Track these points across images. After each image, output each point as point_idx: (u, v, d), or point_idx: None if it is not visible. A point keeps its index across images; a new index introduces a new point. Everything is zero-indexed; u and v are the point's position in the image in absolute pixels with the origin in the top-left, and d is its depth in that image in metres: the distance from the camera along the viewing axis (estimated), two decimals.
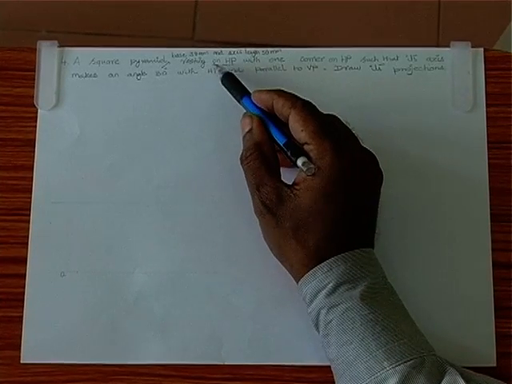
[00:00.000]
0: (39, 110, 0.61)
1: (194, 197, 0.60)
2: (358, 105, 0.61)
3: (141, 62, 0.62)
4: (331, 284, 0.50)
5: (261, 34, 1.27)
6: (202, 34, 1.29)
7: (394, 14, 1.30)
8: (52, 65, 0.62)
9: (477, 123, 0.61)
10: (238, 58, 0.63)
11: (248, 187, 0.55)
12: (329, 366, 0.53)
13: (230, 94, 0.60)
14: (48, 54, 0.62)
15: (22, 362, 0.57)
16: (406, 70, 0.62)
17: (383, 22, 1.30)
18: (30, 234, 0.59)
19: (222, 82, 0.61)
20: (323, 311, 0.51)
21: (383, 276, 0.53)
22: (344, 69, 0.62)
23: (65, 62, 0.62)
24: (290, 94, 0.55)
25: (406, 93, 0.62)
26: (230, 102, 0.60)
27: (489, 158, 0.60)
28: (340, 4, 1.28)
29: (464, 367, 0.51)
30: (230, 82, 0.60)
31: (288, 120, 0.54)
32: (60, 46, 0.63)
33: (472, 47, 0.62)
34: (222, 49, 0.63)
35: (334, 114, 0.56)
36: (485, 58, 0.62)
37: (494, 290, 0.58)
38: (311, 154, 0.53)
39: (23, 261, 0.58)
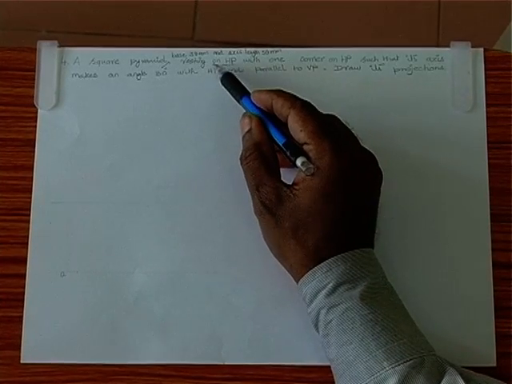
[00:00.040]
0: (39, 110, 0.61)
1: (194, 197, 0.60)
2: (358, 105, 0.61)
3: (141, 62, 0.62)
4: (331, 284, 0.50)
5: (261, 34, 1.27)
6: (202, 33, 1.29)
7: (394, 14, 1.30)
8: (52, 65, 0.62)
9: (477, 123, 0.61)
10: (237, 58, 0.63)
11: (248, 187, 0.55)
12: (329, 366, 0.53)
13: (229, 94, 0.60)
14: (48, 54, 0.62)
15: (22, 362, 0.57)
16: (405, 70, 0.62)
17: (383, 22, 1.30)
18: (30, 234, 0.59)
19: (221, 82, 0.61)
20: (323, 311, 0.51)
21: (383, 276, 0.53)
22: (344, 69, 0.62)
23: (65, 62, 0.63)
24: (289, 94, 0.55)
25: (405, 93, 0.62)
26: (230, 102, 0.60)
27: (489, 158, 0.60)
28: (340, 4, 1.28)
29: (464, 367, 0.51)
30: (230, 82, 0.60)
31: (287, 120, 0.54)
32: (60, 45, 0.63)
33: (472, 47, 0.62)
34: (222, 49, 0.63)
35: (334, 114, 0.56)
36: (485, 58, 0.62)
37: (494, 290, 0.58)
38: (310, 154, 0.53)
39: (23, 261, 0.58)
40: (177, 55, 0.63)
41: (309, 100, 0.55)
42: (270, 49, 0.63)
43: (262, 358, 0.57)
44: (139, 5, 1.27)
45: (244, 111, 0.58)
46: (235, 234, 0.59)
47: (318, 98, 0.56)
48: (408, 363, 0.48)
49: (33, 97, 0.61)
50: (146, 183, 0.60)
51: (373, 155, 0.55)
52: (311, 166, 0.52)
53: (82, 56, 0.63)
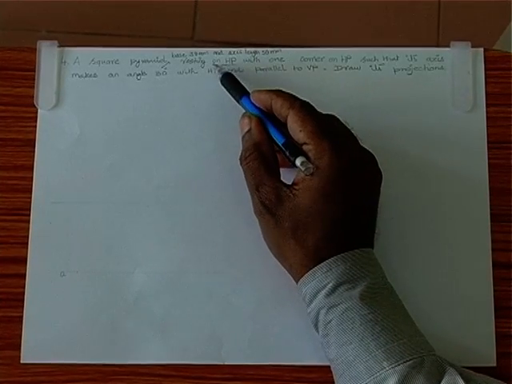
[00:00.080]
0: (39, 110, 0.61)
1: (194, 197, 0.60)
2: (358, 105, 0.61)
3: (141, 62, 0.62)
4: (331, 284, 0.50)
5: (261, 34, 1.27)
6: (202, 33, 1.29)
7: (394, 14, 1.30)
8: (52, 65, 0.62)
9: (477, 123, 0.61)
10: (237, 58, 0.63)
11: (247, 187, 0.55)
12: (329, 366, 0.53)
13: (229, 95, 0.60)
14: (48, 54, 0.62)
15: (22, 362, 0.57)
16: (405, 70, 0.62)
17: (383, 21, 1.30)
18: (30, 234, 0.59)
19: (221, 82, 0.61)
20: (323, 311, 0.51)
21: (383, 276, 0.53)
22: (344, 69, 0.62)
23: (65, 62, 0.63)
24: (288, 94, 0.55)
25: (405, 93, 0.62)
26: (230, 102, 0.60)
27: (489, 158, 0.60)
28: (340, 4, 1.28)
29: (464, 367, 0.51)
30: (230, 82, 0.60)
31: (287, 120, 0.54)
32: (60, 45, 0.63)
33: (472, 47, 0.62)
34: (222, 49, 0.63)
35: (334, 113, 0.56)
36: (485, 58, 0.62)
37: (494, 290, 0.58)
38: (310, 154, 0.53)
39: (23, 261, 0.58)
40: (177, 55, 0.63)
41: (308, 100, 0.55)
42: (270, 49, 0.63)
43: (261, 358, 0.57)
44: (139, 5, 1.27)
45: (244, 111, 0.58)
46: (235, 234, 0.59)
47: (317, 98, 0.56)
48: (408, 363, 0.48)
49: (33, 97, 0.61)
50: (145, 183, 0.60)
51: (372, 155, 0.55)
52: (310, 165, 0.52)
53: (82, 56, 0.63)
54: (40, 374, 0.56)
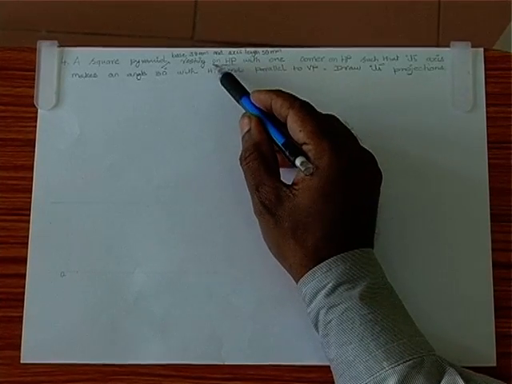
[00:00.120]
0: (39, 110, 0.61)
1: (194, 197, 0.60)
2: (358, 105, 0.61)
3: (141, 62, 0.62)
4: (330, 284, 0.50)
5: (261, 34, 1.27)
6: (202, 33, 1.29)
7: (394, 14, 1.30)
8: (52, 65, 0.62)
9: (477, 123, 0.61)
10: (238, 58, 0.63)
11: (247, 187, 0.55)
12: (329, 366, 0.53)
13: (229, 95, 0.60)
14: (48, 54, 0.62)
15: (22, 361, 0.57)
16: (406, 70, 0.62)
17: (383, 21, 1.30)
18: (30, 233, 0.59)
19: (221, 82, 0.61)
20: (322, 311, 0.51)
21: (383, 276, 0.53)
22: (344, 69, 0.62)
23: (65, 62, 0.63)
24: (288, 94, 0.55)
25: (405, 93, 0.62)
26: (230, 102, 0.60)
27: (489, 158, 0.60)
28: (340, 4, 1.28)
29: (464, 367, 0.51)
30: (230, 82, 0.60)
31: (286, 120, 0.54)
32: (60, 45, 0.63)
33: (472, 47, 0.62)
34: (222, 49, 0.63)
35: (333, 113, 0.56)
36: (485, 58, 0.62)
37: (494, 290, 0.58)
38: (310, 154, 0.53)
39: (23, 261, 0.58)
40: (177, 55, 0.63)
41: (308, 100, 0.55)
42: (270, 49, 0.63)
43: (261, 358, 0.57)
44: (139, 5, 1.27)
45: (243, 111, 0.58)
46: (235, 234, 0.59)
47: (317, 97, 0.56)
48: (407, 363, 0.48)
49: (33, 97, 0.61)
50: (146, 183, 0.60)
51: (372, 155, 0.55)
52: (310, 165, 0.52)
53: (82, 56, 0.63)
54: (40, 373, 0.56)
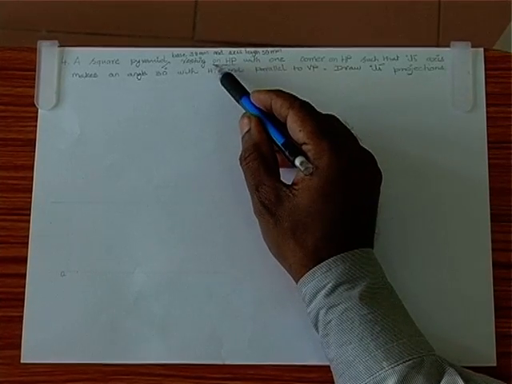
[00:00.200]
0: (39, 110, 0.61)
1: (194, 197, 0.60)
2: (358, 105, 0.61)
3: (141, 62, 0.62)
4: (330, 284, 0.50)
5: (261, 34, 1.27)
6: (202, 33, 1.29)
7: (394, 14, 1.30)
8: (52, 65, 0.62)
9: (477, 123, 0.61)
10: (238, 58, 0.63)
11: (247, 187, 0.55)
12: (329, 366, 0.53)
13: (229, 95, 0.60)
14: (48, 54, 0.62)
15: (22, 361, 0.57)
16: (406, 69, 0.62)
17: (383, 21, 1.30)
18: (30, 233, 0.59)
19: (221, 82, 0.61)
20: (322, 311, 0.51)
21: (383, 276, 0.53)
22: (344, 69, 0.62)
23: (65, 62, 0.63)
24: (288, 94, 0.55)
25: (405, 93, 0.62)
26: (230, 102, 0.60)
27: (489, 158, 0.60)
28: (340, 4, 1.28)
29: (464, 367, 0.51)
30: (230, 82, 0.60)
31: (286, 120, 0.54)
32: (60, 45, 0.63)
33: (472, 47, 0.62)
34: (222, 49, 0.63)
35: (333, 113, 0.56)
36: (485, 57, 0.62)
37: (494, 290, 0.58)
38: (309, 154, 0.53)
39: (23, 260, 0.58)
40: (177, 55, 0.63)
41: (308, 100, 0.55)
42: (270, 49, 0.63)
43: (262, 358, 0.57)
44: (139, 5, 1.27)
45: (243, 111, 0.58)
46: (235, 234, 0.59)
47: (317, 97, 0.56)
48: (407, 363, 0.48)
49: (33, 97, 0.61)
50: (146, 183, 0.60)
51: (372, 155, 0.55)
52: (310, 165, 0.52)
53: (83, 56, 0.63)
54: (40, 373, 0.56)
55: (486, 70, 0.62)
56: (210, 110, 0.61)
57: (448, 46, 0.63)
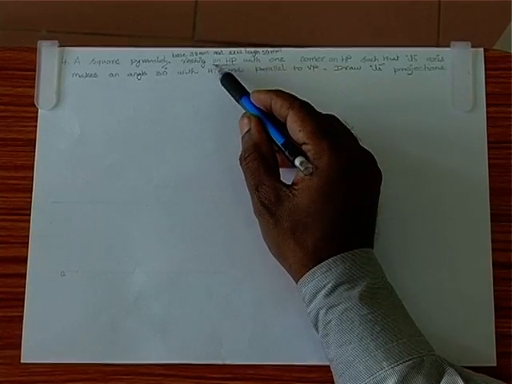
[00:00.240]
0: (39, 110, 0.61)
1: (194, 197, 0.60)
2: (358, 105, 0.61)
3: (141, 62, 0.62)
4: (330, 284, 0.50)
5: (261, 34, 1.27)
6: (202, 33, 1.29)
7: (394, 14, 1.30)
8: (52, 64, 0.62)
9: (477, 123, 0.61)
10: (238, 58, 0.63)
11: (247, 187, 0.55)
12: (329, 366, 0.53)
13: (229, 95, 0.60)
14: (48, 54, 0.62)
15: (22, 361, 0.57)
16: (406, 69, 0.62)
17: (383, 21, 1.30)
18: (31, 233, 0.59)
19: (221, 82, 0.61)
20: (322, 311, 0.51)
21: (383, 276, 0.53)
22: (344, 69, 0.62)
23: (65, 62, 0.63)
24: (288, 94, 0.55)
25: (405, 93, 0.62)
26: (231, 102, 0.60)
27: (489, 158, 0.60)
28: (340, 4, 1.28)
29: (464, 367, 0.51)
30: (230, 82, 0.60)
31: (286, 120, 0.54)
32: (60, 45, 0.63)
33: (472, 47, 0.62)
34: (223, 49, 0.63)
35: (333, 113, 0.56)
36: (485, 57, 0.62)
37: (494, 290, 0.58)
38: (309, 154, 0.53)
39: (23, 260, 0.58)
40: (177, 55, 0.63)
41: (308, 100, 0.55)
42: (270, 49, 0.63)
43: (262, 358, 0.57)
44: (139, 5, 1.27)
45: (244, 111, 0.58)
46: (235, 234, 0.59)
47: (318, 97, 0.56)
48: (407, 363, 0.48)
49: (33, 97, 0.61)
50: (146, 183, 0.60)
51: (372, 155, 0.55)
52: (310, 165, 0.52)
53: (83, 56, 0.63)
54: (40, 373, 0.56)
55: (486, 69, 0.62)
56: (210, 110, 0.61)
57: (448, 46, 0.63)
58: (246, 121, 0.57)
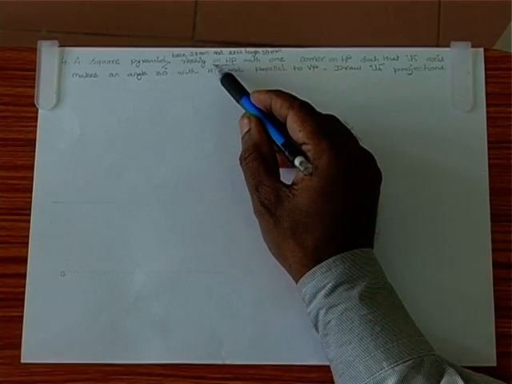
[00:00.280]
0: (40, 110, 0.61)
1: (194, 197, 0.60)
2: (358, 105, 0.61)
3: (141, 62, 0.62)
4: (330, 284, 0.50)
5: (261, 34, 1.27)
6: (202, 33, 1.29)
7: (394, 14, 1.30)
8: (52, 65, 0.62)
9: (477, 123, 0.61)
10: (238, 58, 0.63)
11: (247, 187, 0.55)
12: (329, 366, 0.53)
13: (229, 95, 0.60)
14: (48, 54, 0.62)
15: (22, 361, 0.57)
16: (406, 69, 0.62)
17: (383, 21, 1.30)
18: (31, 233, 0.59)
19: (221, 82, 0.61)
20: (322, 311, 0.51)
21: (383, 276, 0.53)
22: (344, 69, 0.62)
23: (65, 62, 0.63)
24: (288, 94, 0.55)
25: (405, 93, 0.62)
26: (230, 102, 0.60)
27: (489, 158, 0.60)
28: (340, 4, 1.28)
29: (464, 367, 0.51)
30: (230, 82, 0.60)
31: (286, 120, 0.54)
32: (60, 45, 0.63)
33: (472, 47, 0.62)
34: (223, 49, 0.63)
35: (333, 113, 0.56)
36: (485, 57, 0.62)
37: (494, 290, 0.58)
38: (309, 154, 0.53)
39: (23, 260, 0.58)
40: (177, 55, 0.63)
41: (308, 100, 0.55)
42: (270, 49, 0.63)
43: (262, 358, 0.57)
44: (139, 5, 1.27)
45: (244, 112, 0.58)
46: (235, 234, 0.59)
47: (318, 97, 0.56)
48: (407, 363, 0.48)
49: (33, 97, 0.61)
50: (146, 183, 0.60)
51: (372, 155, 0.55)
52: (309, 165, 0.52)
53: (83, 56, 0.63)
54: (40, 373, 0.56)
55: (486, 69, 0.62)
56: (210, 110, 0.61)
57: (448, 46, 0.63)
58: (245, 121, 0.57)
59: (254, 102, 0.57)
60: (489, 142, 0.60)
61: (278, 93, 0.56)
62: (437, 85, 0.62)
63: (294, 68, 0.62)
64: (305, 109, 0.54)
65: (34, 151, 0.60)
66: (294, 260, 0.52)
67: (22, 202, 0.59)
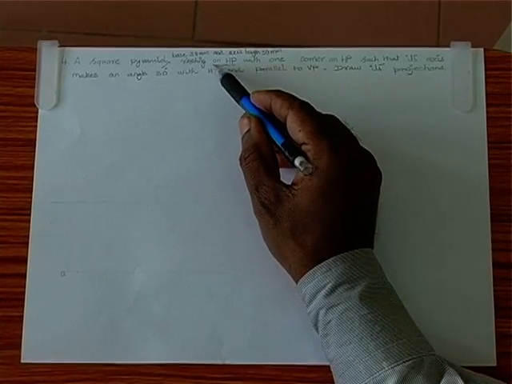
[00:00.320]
0: (40, 110, 0.61)
1: (194, 197, 0.60)
2: (358, 105, 0.61)
3: (141, 62, 0.63)
4: (330, 284, 0.50)
5: (261, 34, 1.27)
6: (202, 33, 1.29)
7: (394, 14, 1.30)
8: (52, 65, 0.62)
9: (477, 123, 0.61)
10: (238, 58, 0.63)
11: (247, 187, 0.55)
12: (329, 366, 0.53)
13: (229, 95, 0.60)
14: (48, 54, 0.62)
15: (22, 361, 0.57)
16: (406, 69, 0.62)
17: (383, 21, 1.30)
18: (31, 233, 0.59)
19: (221, 83, 0.61)
20: (322, 311, 0.51)
21: (383, 276, 0.53)
22: (344, 69, 0.62)
23: (65, 62, 0.63)
24: (288, 94, 0.55)
25: (405, 93, 0.62)
26: (230, 102, 0.60)
27: (489, 158, 0.60)
28: (340, 4, 1.28)
29: (464, 367, 0.51)
30: (230, 83, 0.60)
31: (286, 120, 0.54)
32: (60, 45, 0.63)
33: (472, 47, 0.62)
34: (223, 49, 0.63)
35: (333, 114, 0.56)
36: (485, 57, 0.62)
37: (494, 290, 0.58)
38: (309, 154, 0.53)
39: (23, 260, 0.58)
40: (177, 55, 0.63)
41: (308, 100, 0.55)
42: (270, 49, 0.63)
43: (262, 358, 0.57)
44: (139, 5, 1.27)
45: (244, 112, 0.58)
46: (235, 234, 0.59)
47: (318, 97, 0.56)
48: (407, 363, 0.48)
49: (33, 96, 0.61)
50: (146, 183, 0.60)
51: (372, 155, 0.55)
52: (309, 165, 0.52)
53: (83, 56, 0.63)
54: (40, 373, 0.56)
55: (486, 70, 0.62)
56: (210, 110, 0.61)
57: (448, 46, 0.63)
58: (245, 121, 0.57)
59: (253, 102, 0.57)
60: (489, 142, 0.60)
61: (278, 93, 0.56)
62: (437, 85, 0.62)
63: (294, 68, 0.62)
64: (305, 109, 0.54)
65: (34, 151, 0.60)
66: (293, 260, 0.52)
67: (22, 202, 0.59)
